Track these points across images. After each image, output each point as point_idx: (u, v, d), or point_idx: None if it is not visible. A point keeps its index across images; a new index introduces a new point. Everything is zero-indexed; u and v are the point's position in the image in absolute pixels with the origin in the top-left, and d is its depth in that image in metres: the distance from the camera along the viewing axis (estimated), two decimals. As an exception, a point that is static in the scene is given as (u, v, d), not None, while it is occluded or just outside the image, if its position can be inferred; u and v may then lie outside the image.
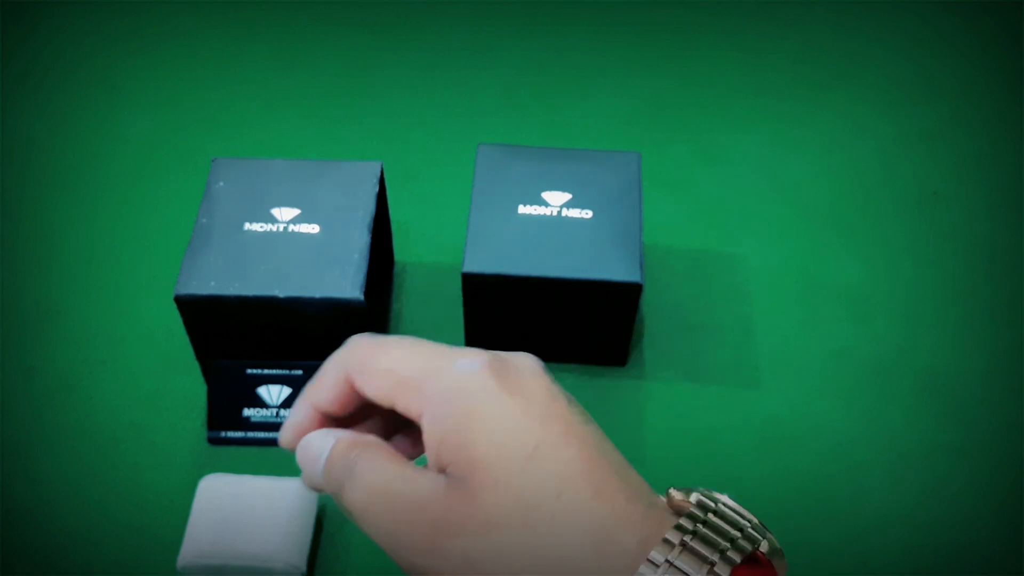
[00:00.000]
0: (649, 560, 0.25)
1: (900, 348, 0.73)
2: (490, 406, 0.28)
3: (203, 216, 0.64)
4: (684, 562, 0.25)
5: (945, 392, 0.70)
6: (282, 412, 0.65)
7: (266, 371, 0.65)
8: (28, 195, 0.81)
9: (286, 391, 0.65)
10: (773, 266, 0.77)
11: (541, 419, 0.28)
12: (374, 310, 0.66)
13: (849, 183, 0.84)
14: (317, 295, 0.60)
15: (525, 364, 0.30)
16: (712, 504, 0.28)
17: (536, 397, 0.29)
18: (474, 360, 0.30)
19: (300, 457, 0.33)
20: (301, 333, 0.63)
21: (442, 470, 0.28)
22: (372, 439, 0.32)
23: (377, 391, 0.31)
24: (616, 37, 0.96)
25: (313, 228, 0.64)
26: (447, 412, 0.29)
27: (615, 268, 0.63)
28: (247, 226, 0.64)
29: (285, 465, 0.65)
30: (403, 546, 0.29)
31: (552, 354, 0.70)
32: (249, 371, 0.65)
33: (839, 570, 0.62)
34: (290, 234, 0.63)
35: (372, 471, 0.30)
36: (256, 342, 0.64)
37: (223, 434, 0.65)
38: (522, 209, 0.66)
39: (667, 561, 0.25)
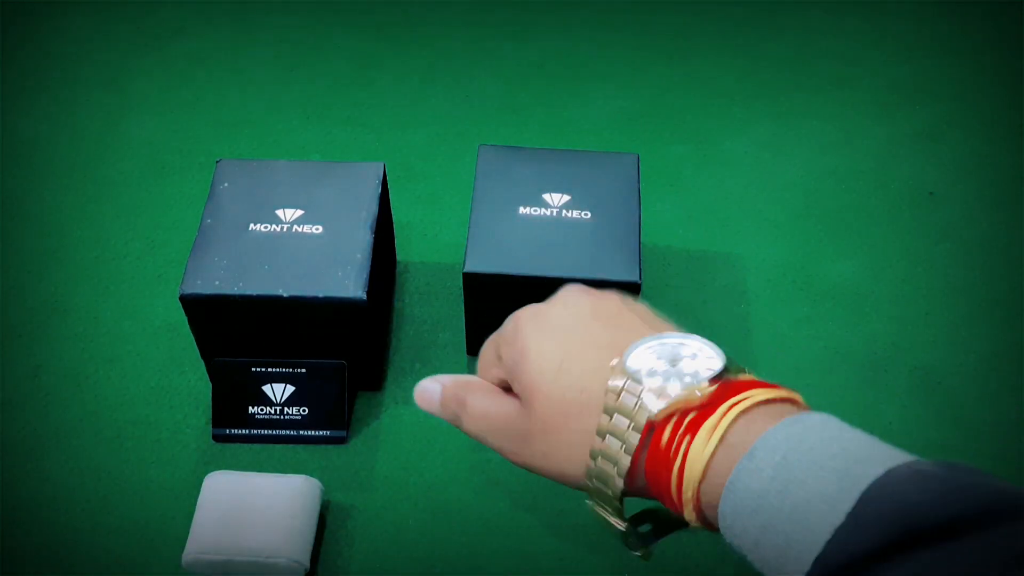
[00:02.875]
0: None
1: (896, 346, 0.73)
2: (530, 342, 0.39)
3: (208, 216, 0.65)
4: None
5: (941, 390, 0.71)
6: (286, 410, 0.66)
7: (270, 369, 0.65)
8: (33, 195, 0.81)
9: (290, 389, 0.66)
10: (770, 265, 0.78)
11: (563, 342, 0.38)
12: (377, 309, 0.67)
13: (846, 183, 0.85)
14: (320, 295, 0.61)
15: (569, 298, 0.42)
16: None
17: (561, 326, 0.39)
18: (522, 312, 0.41)
19: (418, 399, 0.44)
20: (305, 332, 0.64)
21: (517, 395, 0.40)
22: (469, 378, 0.44)
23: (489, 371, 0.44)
24: (615, 39, 0.97)
25: (316, 228, 0.64)
26: (510, 356, 0.40)
27: (614, 268, 0.63)
28: (251, 226, 0.64)
29: (289, 462, 0.66)
30: (505, 450, 0.41)
31: (552, 353, 0.70)
32: (254, 369, 0.65)
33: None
34: (294, 234, 0.64)
35: (475, 403, 0.42)
36: (260, 341, 0.64)
37: (228, 431, 0.66)
38: (522, 210, 0.66)
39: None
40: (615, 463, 0.35)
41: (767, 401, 0.34)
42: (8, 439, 0.67)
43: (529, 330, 0.40)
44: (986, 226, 0.81)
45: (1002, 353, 0.73)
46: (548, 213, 0.66)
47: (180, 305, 0.62)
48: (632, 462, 0.35)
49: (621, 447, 0.35)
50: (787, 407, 0.34)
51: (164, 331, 0.73)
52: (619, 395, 0.35)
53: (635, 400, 0.35)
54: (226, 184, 0.67)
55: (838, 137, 0.88)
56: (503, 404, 0.41)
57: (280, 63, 0.93)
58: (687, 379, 0.34)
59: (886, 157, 0.87)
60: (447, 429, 0.69)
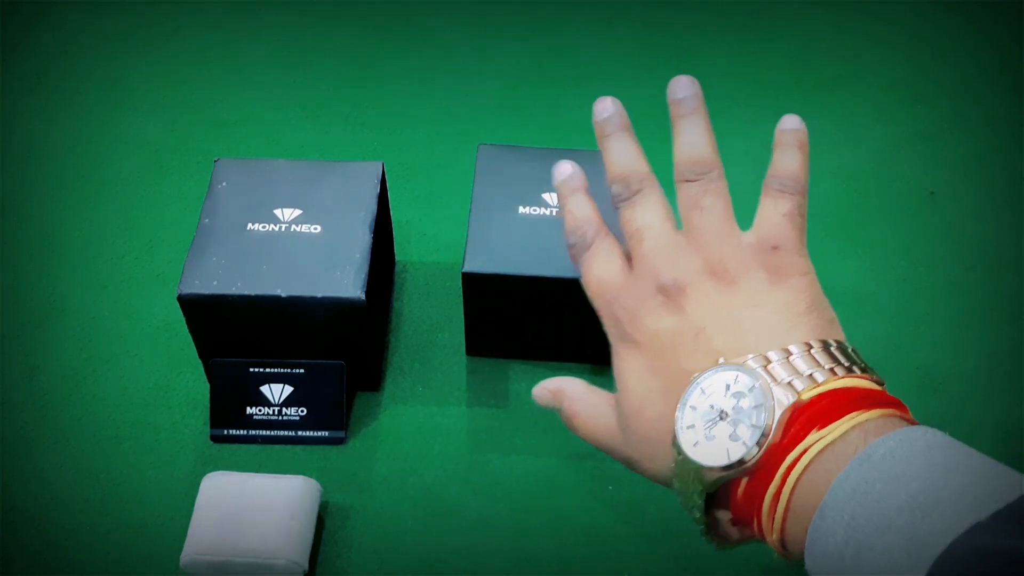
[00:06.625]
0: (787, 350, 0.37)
1: (897, 347, 0.73)
2: (624, 377, 0.43)
3: (206, 216, 0.65)
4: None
5: (942, 391, 0.71)
6: (285, 410, 0.66)
7: (268, 370, 0.65)
8: (31, 195, 0.81)
9: (288, 389, 0.65)
10: (771, 266, 0.78)
11: (650, 379, 0.42)
12: (375, 309, 0.67)
13: (846, 183, 0.84)
14: (319, 295, 0.61)
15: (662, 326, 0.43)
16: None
17: (650, 367, 0.42)
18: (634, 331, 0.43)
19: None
20: (303, 332, 0.63)
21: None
22: (564, 383, 0.46)
23: None
24: (615, 37, 0.97)
25: (315, 228, 0.64)
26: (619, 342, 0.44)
27: (614, 268, 0.63)
28: (249, 226, 0.64)
29: (288, 463, 0.65)
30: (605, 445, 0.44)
31: (552, 354, 0.70)
32: (251, 370, 0.65)
33: (836, 567, 0.63)
34: (292, 234, 0.64)
35: (571, 407, 0.45)
36: (258, 341, 0.64)
37: (226, 432, 0.66)
38: (522, 209, 0.66)
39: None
40: (692, 507, 0.38)
41: (830, 445, 0.34)
42: (5, 439, 0.66)
43: (626, 368, 0.42)
44: (987, 226, 0.81)
45: (1002, 354, 0.73)
46: (548, 213, 0.66)
47: (178, 305, 0.62)
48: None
49: (693, 502, 0.38)
50: (855, 434, 0.34)
51: (162, 331, 0.72)
52: (682, 462, 0.37)
53: (692, 470, 0.37)
54: (224, 183, 0.67)
55: (838, 137, 0.88)
56: (599, 409, 0.44)
57: (279, 62, 0.93)
58: (731, 449, 0.36)
59: (886, 157, 0.87)
60: (446, 429, 0.69)
